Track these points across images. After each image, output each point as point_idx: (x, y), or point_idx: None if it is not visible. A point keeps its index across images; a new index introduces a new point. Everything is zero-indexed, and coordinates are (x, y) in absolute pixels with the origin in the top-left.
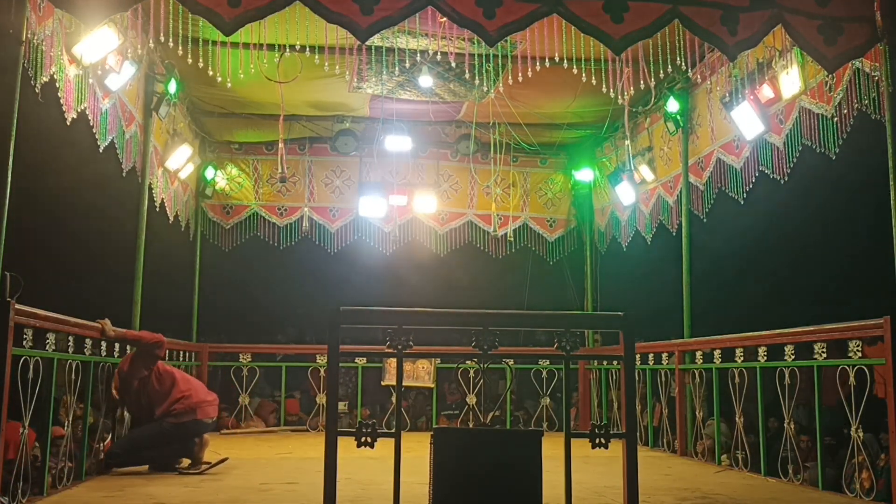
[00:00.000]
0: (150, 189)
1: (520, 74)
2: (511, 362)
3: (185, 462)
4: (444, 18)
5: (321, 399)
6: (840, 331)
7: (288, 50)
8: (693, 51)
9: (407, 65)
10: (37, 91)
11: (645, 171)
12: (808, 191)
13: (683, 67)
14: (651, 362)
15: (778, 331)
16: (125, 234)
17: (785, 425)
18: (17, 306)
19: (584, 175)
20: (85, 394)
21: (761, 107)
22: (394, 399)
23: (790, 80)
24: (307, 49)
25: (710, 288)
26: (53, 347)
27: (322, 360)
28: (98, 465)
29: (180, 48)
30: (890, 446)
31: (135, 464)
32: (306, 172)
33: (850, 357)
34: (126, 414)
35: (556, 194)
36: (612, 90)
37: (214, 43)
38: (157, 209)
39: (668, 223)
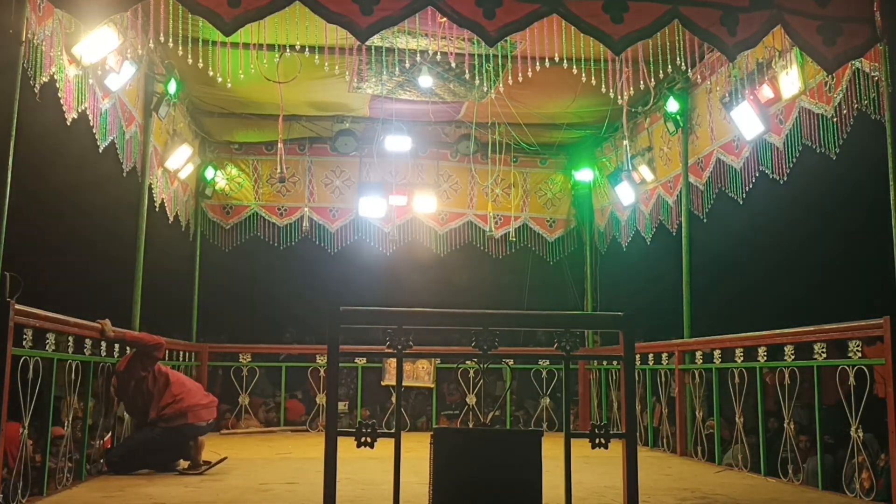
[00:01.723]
0: (150, 189)
1: (520, 74)
2: (511, 362)
3: (184, 464)
4: (444, 18)
5: (321, 399)
6: (840, 331)
7: (288, 50)
8: (693, 51)
9: (407, 65)
10: (36, 91)
11: (645, 171)
12: (807, 191)
13: (683, 68)
14: (651, 362)
15: (778, 331)
16: (125, 234)
17: (785, 425)
18: (17, 306)
19: (584, 175)
20: (85, 394)
21: (761, 107)
22: (394, 399)
23: (790, 80)
24: (307, 49)
25: (709, 288)
26: (53, 347)
27: (322, 360)
28: (98, 464)
29: (180, 48)
30: (890, 446)
31: (133, 469)
32: (306, 172)
33: (850, 357)
34: (126, 415)
35: (556, 194)
36: (611, 90)
37: (214, 43)
38: (157, 209)
39: (667, 223)
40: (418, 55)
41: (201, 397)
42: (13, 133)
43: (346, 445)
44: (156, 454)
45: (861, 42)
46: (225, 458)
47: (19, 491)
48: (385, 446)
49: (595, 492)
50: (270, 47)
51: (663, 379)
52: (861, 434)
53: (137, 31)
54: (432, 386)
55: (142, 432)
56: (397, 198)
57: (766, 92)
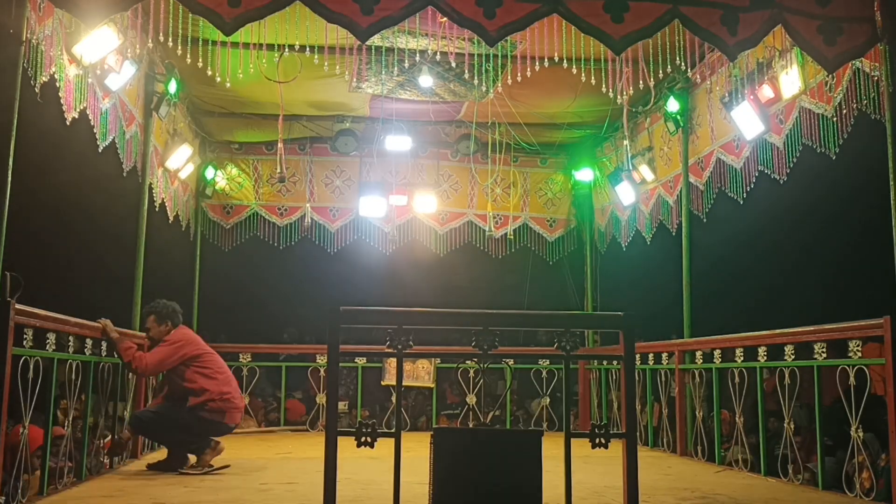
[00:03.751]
0: (151, 189)
1: (520, 74)
2: (511, 362)
3: (193, 459)
4: (444, 18)
5: (321, 399)
6: (840, 331)
7: (288, 50)
8: (693, 51)
9: (407, 65)
10: (37, 91)
11: (645, 171)
12: (808, 191)
13: (683, 67)
14: (651, 362)
15: (778, 331)
16: (125, 233)
17: (784, 425)
18: (17, 306)
19: (584, 175)
20: (85, 394)
21: (761, 107)
22: (394, 399)
23: (790, 80)
24: (307, 49)
25: (709, 288)
26: (53, 347)
27: (322, 360)
28: (98, 464)
29: (180, 48)
30: (890, 446)
31: (153, 436)
32: (306, 172)
33: (849, 357)
34: (126, 413)
35: (556, 194)
36: (611, 90)
37: (214, 43)
38: (157, 209)
39: (668, 223)
40: (418, 55)
41: (239, 400)
42: (13, 133)
43: (346, 445)
44: (180, 436)
45: (861, 42)
46: (228, 466)
47: (19, 491)
48: (385, 446)
49: (595, 492)
50: (270, 47)
51: (663, 379)
52: (861, 434)
53: (137, 31)
54: (432, 386)
55: (177, 413)
56: (397, 198)
57: (766, 92)
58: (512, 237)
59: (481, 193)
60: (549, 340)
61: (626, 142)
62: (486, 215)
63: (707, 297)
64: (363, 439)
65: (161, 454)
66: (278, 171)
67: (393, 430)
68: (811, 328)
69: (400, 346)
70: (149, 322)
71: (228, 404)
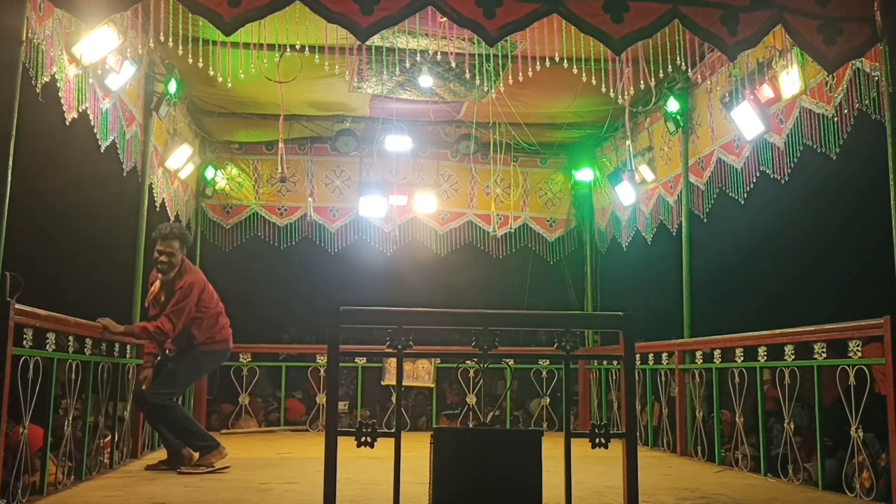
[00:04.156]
0: (151, 189)
1: (520, 74)
2: (511, 362)
3: (195, 456)
4: (444, 18)
5: (321, 399)
6: (840, 331)
7: (288, 50)
8: (693, 51)
9: (407, 65)
10: (37, 91)
11: (645, 171)
12: (808, 191)
13: (683, 67)
14: (651, 362)
15: (778, 331)
16: (125, 233)
17: (785, 425)
18: (17, 306)
19: (585, 175)
20: (85, 394)
21: (761, 107)
22: (394, 399)
23: (790, 79)
24: (307, 49)
25: (710, 288)
26: (53, 347)
27: (322, 360)
28: (98, 464)
29: (180, 48)
30: (890, 446)
31: (171, 396)
32: (306, 172)
33: (850, 357)
34: (126, 413)
35: (556, 194)
36: (612, 90)
37: (214, 43)
38: (158, 209)
39: (668, 223)
40: (418, 55)
41: (228, 324)
42: (13, 133)
43: (346, 445)
44: (190, 381)
45: (861, 42)
46: (228, 468)
47: (19, 491)
48: (385, 446)
49: (595, 492)
50: (271, 47)
51: (663, 379)
52: (861, 434)
53: (137, 31)
54: (432, 386)
55: (180, 364)
56: (397, 197)
57: (766, 92)
58: (512, 232)
59: (482, 193)
60: (549, 340)
61: (628, 142)
62: (488, 215)
63: (707, 296)
64: (363, 439)
65: (161, 454)
66: (279, 171)
67: (393, 430)
68: (811, 328)
69: (400, 346)
70: (172, 247)
71: (226, 332)
